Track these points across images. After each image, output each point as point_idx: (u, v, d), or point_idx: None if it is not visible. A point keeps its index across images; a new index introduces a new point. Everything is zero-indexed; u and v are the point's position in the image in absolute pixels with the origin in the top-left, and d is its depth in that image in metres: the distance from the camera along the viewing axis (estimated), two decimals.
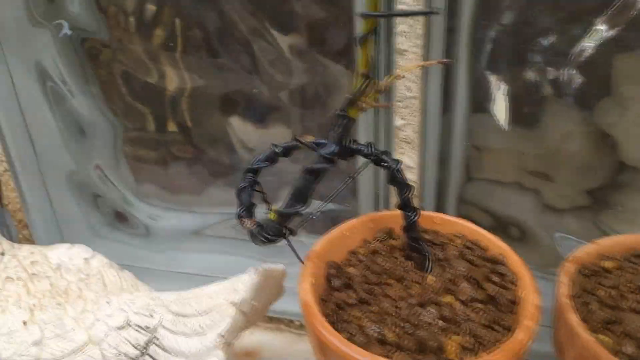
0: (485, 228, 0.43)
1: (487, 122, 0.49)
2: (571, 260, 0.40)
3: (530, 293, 0.37)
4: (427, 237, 0.43)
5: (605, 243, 0.41)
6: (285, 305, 0.44)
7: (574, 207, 0.53)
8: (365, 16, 0.29)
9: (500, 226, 0.54)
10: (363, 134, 0.47)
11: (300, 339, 0.58)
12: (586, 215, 0.52)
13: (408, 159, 0.45)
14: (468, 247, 0.42)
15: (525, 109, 0.48)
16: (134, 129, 0.66)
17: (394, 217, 0.43)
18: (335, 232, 0.43)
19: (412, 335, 0.35)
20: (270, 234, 0.37)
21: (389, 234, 0.44)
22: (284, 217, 0.37)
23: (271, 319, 0.58)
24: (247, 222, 0.40)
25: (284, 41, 0.55)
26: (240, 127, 0.63)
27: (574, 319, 0.34)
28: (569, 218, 0.53)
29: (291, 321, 0.58)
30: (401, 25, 0.40)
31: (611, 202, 0.52)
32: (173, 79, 0.61)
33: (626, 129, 0.47)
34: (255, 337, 0.58)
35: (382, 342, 0.35)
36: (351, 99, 0.32)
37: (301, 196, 0.36)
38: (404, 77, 0.33)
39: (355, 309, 0.37)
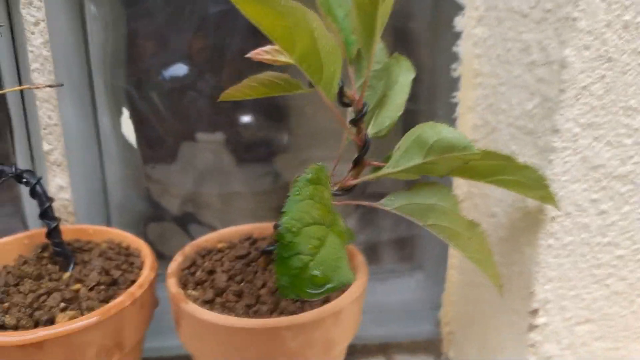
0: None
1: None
2: (192, 244, 0.49)
3: (150, 273, 0.45)
4: (77, 244, 0.49)
5: (226, 231, 0.52)
6: None
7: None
8: None
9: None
10: (20, 161, 0.52)
11: None
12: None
13: (60, 180, 0.51)
14: (111, 248, 0.49)
15: None
16: None
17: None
18: None
19: (31, 316, 0.40)
20: None
21: (45, 248, 0.49)
22: None
23: None
24: None
25: None
26: None
27: (172, 282, 0.43)
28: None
29: None
30: (34, 64, 0.48)
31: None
32: None
33: None
34: None
35: (2, 327, 0.39)
36: None
37: None
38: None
39: None
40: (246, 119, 0.65)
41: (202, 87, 0.58)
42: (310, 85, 0.39)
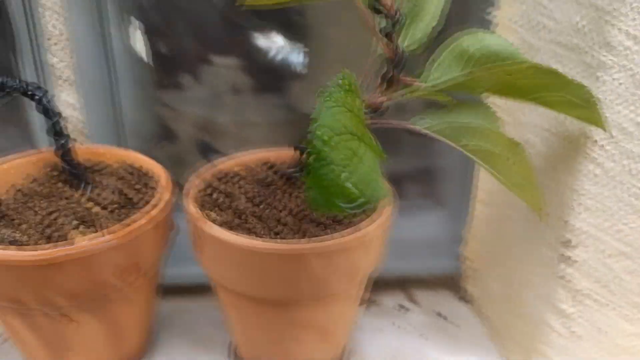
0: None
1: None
2: (209, 167, 0.47)
3: (165, 193, 0.43)
4: (88, 164, 0.47)
5: (244, 156, 0.50)
6: None
7: None
8: None
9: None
10: (28, 75, 0.49)
11: None
12: None
13: (69, 97, 0.48)
14: (124, 169, 0.47)
15: None
16: None
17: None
18: None
19: (42, 233, 0.38)
20: None
21: (55, 167, 0.47)
22: None
23: None
24: None
25: None
26: None
27: (190, 202, 0.41)
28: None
29: None
30: None
31: None
32: None
33: None
34: None
35: (13, 243, 0.37)
36: None
37: None
38: None
39: None
40: (263, 41, 0.61)
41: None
42: None
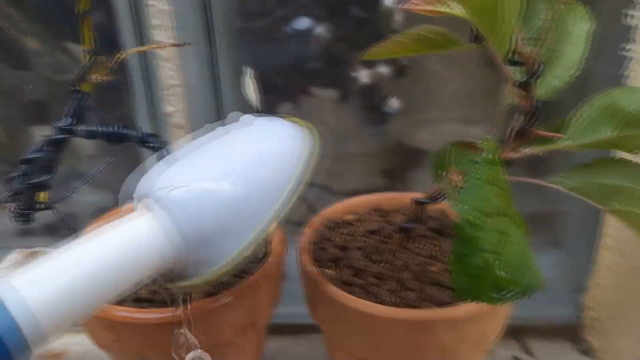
0: None
1: None
2: (319, 215, 0.46)
3: (279, 245, 0.42)
4: None
5: (353, 201, 0.48)
6: None
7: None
8: None
9: None
10: (142, 123, 0.50)
11: None
12: None
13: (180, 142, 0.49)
14: None
15: None
16: None
17: None
18: None
19: (156, 293, 0.38)
20: (21, 207, 0.39)
21: None
22: (32, 188, 0.39)
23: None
24: (11, 206, 0.41)
25: None
26: None
27: (305, 259, 0.40)
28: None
29: None
30: (154, 20, 0.45)
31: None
32: None
33: None
34: (63, 340, 0.58)
35: (138, 300, 0.38)
36: (80, 75, 0.35)
37: (46, 168, 0.38)
38: (126, 56, 0.37)
39: None
40: (364, 74, 0.60)
41: (325, 41, 0.53)
42: (476, 39, 0.33)
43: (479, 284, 0.26)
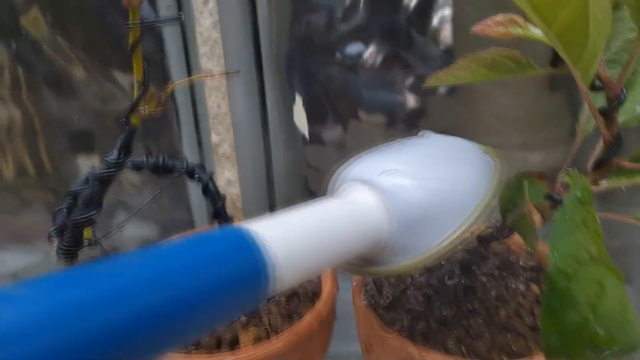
0: None
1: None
2: None
3: (330, 286, 0.40)
4: None
5: None
6: None
7: None
8: (128, 27, 0.31)
9: None
10: (187, 151, 0.49)
11: None
12: None
13: (229, 173, 0.47)
14: None
15: None
16: None
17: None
18: None
19: (214, 333, 0.36)
20: (66, 244, 0.37)
21: None
22: (79, 225, 0.37)
23: None
24: (55, 241, 0.40)
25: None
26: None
27: (360, 301, 0.37)
28: None
29: None
30: (203, 47, 0.43)
31: None
32: None
33: None
34: None
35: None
36: (131, 107, 0.34)
37: (92, 203, 0.37)
38: (175, 86, 0.35)
39: None
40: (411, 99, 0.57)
41: (374, 65, 0.51)
42: (554, 64, 0.30)
43: (574, 343, 0.23)
